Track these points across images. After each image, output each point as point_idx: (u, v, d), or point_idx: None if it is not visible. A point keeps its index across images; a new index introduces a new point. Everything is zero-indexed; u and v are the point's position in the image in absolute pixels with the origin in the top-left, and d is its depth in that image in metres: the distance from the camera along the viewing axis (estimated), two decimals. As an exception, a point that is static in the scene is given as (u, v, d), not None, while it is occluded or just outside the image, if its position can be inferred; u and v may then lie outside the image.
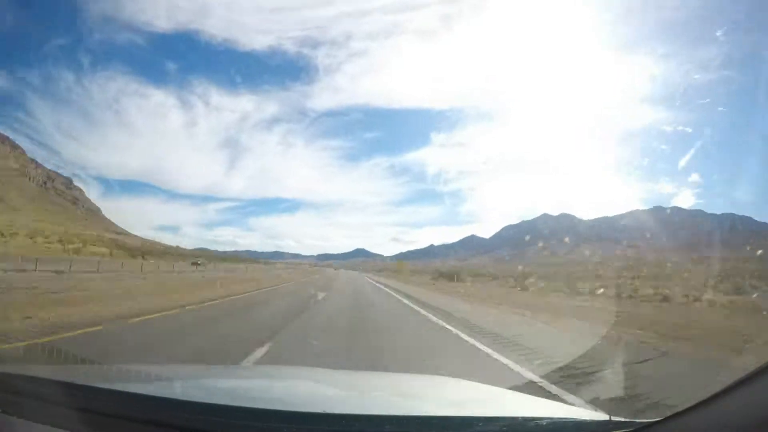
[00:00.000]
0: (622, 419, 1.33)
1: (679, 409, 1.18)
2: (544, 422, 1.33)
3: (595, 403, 3.26)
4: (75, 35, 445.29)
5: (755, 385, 1.03)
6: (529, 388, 3.96)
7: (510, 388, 2.39)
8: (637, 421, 1.29)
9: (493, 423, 1.35)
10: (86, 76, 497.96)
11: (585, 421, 1.42)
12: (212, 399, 1.48)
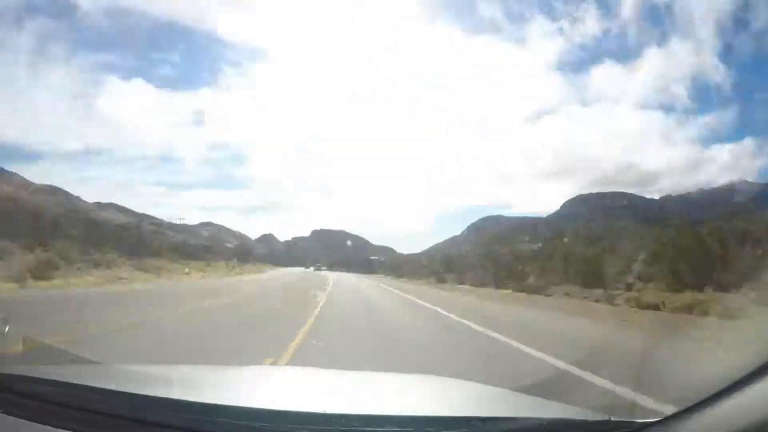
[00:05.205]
0: (622, 419, 1.33)
1: (680, 408, 1.18)
2: (544, 422, 1.33)
3: None
4: None
5: (756, 384, 1.03)
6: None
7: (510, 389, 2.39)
8: (637, 421, 1.29)
9: (493, 423, 1.35)
10: None
11: (585, 421, 1.42)
12: (212, 399, 1.48)
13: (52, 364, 2.48)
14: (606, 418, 1.37)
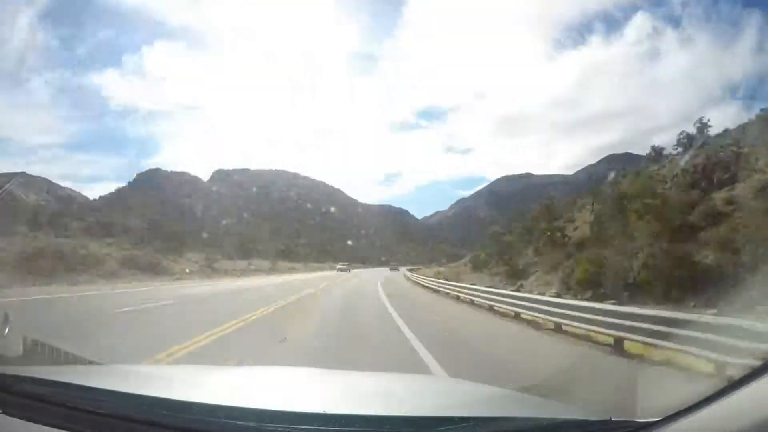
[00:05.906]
0: (623, 419, 1.33)
1: (680, 408, 1.17)
2: (544, 422, 1.33)
3: None
4: None
5: (756, 384, 1.02)
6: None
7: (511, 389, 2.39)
8: (638, 420, 1.29)
9: (493, 423, 1.34)
10: None
11: (585, 420, 1.42)
12: (211, 399, 1.48)
13: (52, 364, 2.48)
14: (606, 418, 1.37)
